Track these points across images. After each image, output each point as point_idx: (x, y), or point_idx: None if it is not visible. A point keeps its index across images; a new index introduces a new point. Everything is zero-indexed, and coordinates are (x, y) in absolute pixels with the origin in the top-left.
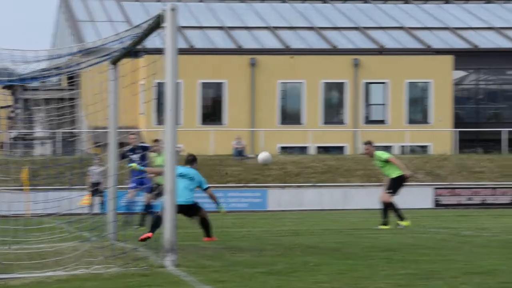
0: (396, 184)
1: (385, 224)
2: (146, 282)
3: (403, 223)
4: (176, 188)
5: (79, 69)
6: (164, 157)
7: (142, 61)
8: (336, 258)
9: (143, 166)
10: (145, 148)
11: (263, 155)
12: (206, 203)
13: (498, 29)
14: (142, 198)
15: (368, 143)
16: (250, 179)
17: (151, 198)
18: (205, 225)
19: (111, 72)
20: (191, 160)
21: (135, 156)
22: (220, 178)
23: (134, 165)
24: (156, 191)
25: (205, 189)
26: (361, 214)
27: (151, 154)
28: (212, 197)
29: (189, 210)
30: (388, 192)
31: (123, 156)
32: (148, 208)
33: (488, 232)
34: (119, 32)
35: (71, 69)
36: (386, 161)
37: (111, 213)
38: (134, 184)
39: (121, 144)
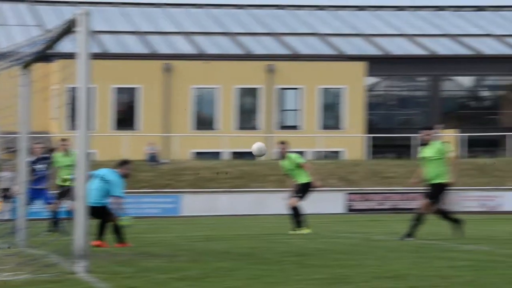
0: (305, 190)
1: (297, 225)
2: None
3: (303, 230)
4: (88, 192)
5: None
6: (73, 157)
7: (55, 65)
8: (249, 263)
9: (46, 176)
10: (47, 158)
11: (257, 145)
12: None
13: (410, 36)
14: (55, 206)
15: (283, 143)
16: (164, 185)
17: (59, 204)
18: (117, 231)
19: (22, 77)
20: (120, 163)
21: (40, 167)
22: (134, 184)
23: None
24: (65, 194)
25: (114, 196)
26: (274, 220)
27: (57, 154)
28: (119, 206)
29: (96, 212)
30: (297, 197)
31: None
32: (56, 214)
33: (399, 237)
34: (31, 37)
35: None
36: (299, 166)
37: (21, 220)
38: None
39: (47, 149)
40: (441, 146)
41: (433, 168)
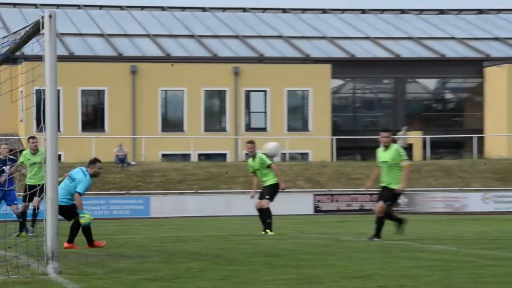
0: (273, 191)
1: (268, 227)
2: None
3: (272, 232)
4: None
5: None
6: (41, 155)
7: (21, 68)
8: (218, 264)
9: (13, 177)
10: (14, 161)
11: (272, 145)
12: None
13: (374, 39)
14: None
15: (252, 142)
16: (132, 186)
17: (27, 206)
18: (86, 232)
19: None
20: (89, 162)
21: (7, 168)
22: (103, 185)
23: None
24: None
25: (75, 192)
26: (243, 221)
27: (25, 152)
28: (77, 202)
29: (63, 211)
30: (267, 199)
31: None
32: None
33: (367, 238)
34: None
35: None
36: (268, 167)
37: None
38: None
39: (10, 151)
40: (396, 151)
41: (387, 172)
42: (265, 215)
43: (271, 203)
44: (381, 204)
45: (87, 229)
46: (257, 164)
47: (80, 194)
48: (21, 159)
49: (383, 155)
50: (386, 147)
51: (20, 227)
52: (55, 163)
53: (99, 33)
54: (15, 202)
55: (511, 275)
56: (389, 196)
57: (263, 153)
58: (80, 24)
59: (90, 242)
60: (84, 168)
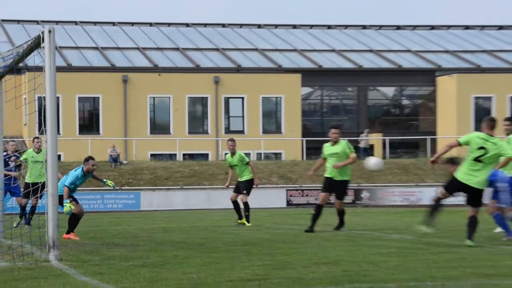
0: (249, 186)
1: (246, 219)
2: (33, 275)
3: (244, 221)
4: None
5: None
6: (44, 155)
7: (24, 77)
8: (202, 252)
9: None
10: (17, 157)
11: (374, 161)
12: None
13: (339, 51)
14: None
15: (233, 140)
16: (125, 183)
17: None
18: (69, 221)
19: None
20: (84, 160)
21: (12, 163)
22: (98, 182)
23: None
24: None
25: (64, 186)
26: (223, 213)
27: (29, 151)
28: (64, 193)
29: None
30: (245, 194)
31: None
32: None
33: (332, 227)
34: (1, 52)
35: None
36: (246, 164)
37: None
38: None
39: (16, 150)
40: (346, 145)
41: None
42: (244, 208)
43: (248, 197)
44: (338, 202)
45: (70, 219)
46: (235, 161)
47: (67, 187)
48: (24, 156)
49: (331, 148)
50: (335, 142)
51: (21, 216)
52: (55, 162)
53: (94, 46)
54: (21, 195)
55: (461, 260)
56: (343, 190)
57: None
58: (76, 38)
59: (68, 231)
60: (82, 166)
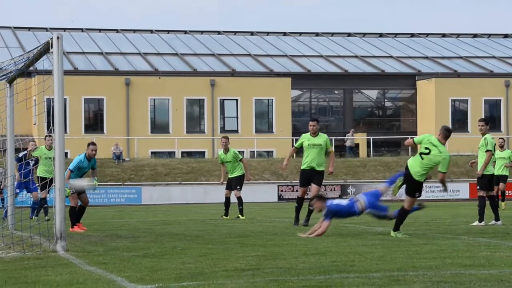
0: (242, 182)
1: (240, 213)
2: (41, 264)
3: (242, 217)
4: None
5: None
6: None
7: (34, 80)
8: (199, 243)
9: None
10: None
11: (80, 183)
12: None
13: (326, 57)
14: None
15: (226, 138)
16: (127, 178)
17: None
18: (71, 214)
19: (7, 89)
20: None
21: (32, 162)
22: (102, 178)
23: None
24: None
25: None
26: (219, 207)
27: (41, 148)
28: (65, 176)
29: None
30: (238, 189)
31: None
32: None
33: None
34: (14, 57)
35: None
36: (240, 160)
37: (9, 207)
38: (19, 187)
39: (18, 150)
40: (327, 139)
41: (317, 154)
42: (238, 202)
43: (241, 192)
44: (317, 188)
45: (70, 212)
46: (229, 158)
47: (70, 169)
48: (37, 152)
49: (313, 139)
50: (314, 133)
51: (38, 211)
52: (62, 159)
53: (99, 52)
54: (36, 190)
55: (440, 252)
56: (321, 179)
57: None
58: (83, 44)
59: (73, 225)
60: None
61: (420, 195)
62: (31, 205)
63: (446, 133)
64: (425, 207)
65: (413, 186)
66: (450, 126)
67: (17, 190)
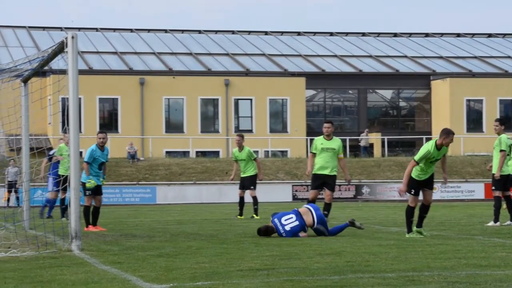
0: (255, 181)
1: (255, 212)
2: (56, 263)
3: (257, 217)
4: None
5: None
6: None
7: (49, 80)
8: (213, 243)
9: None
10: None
11: None
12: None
13: (340, 57)
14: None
15: (241, 135)
16: (141, 178)
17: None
18: (85, 214)
19: (22, 88)
20: None
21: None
22: (116, 177)
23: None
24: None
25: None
26: (233, 207)
27: (62, 145)
28: (84, 169)
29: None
30: (253, 189)
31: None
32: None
33: (336, 221)
34: (29, 55)
35: None
36: (254, 160)
37: (24, 205)
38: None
39: (49, 149)
40: (341, 143)
41: (330, 159)
42: (253, 202)
43: (255, 191)
44: (330, 193)
45: (85, 212)
46: (243, 156)
47: (86, 162)
48: (58, 151)
49: (327, 143)
50: (328, 135)
51: (62, 212)
52: (77, 158)
53: (113, 51)
54: (55, 189)
55: (456, 252)
56: (334, 184)
57: None
58: (97, 43)
59: (87, 224)
60: None
61: (416, 194)
62: (44, 203)
63: (443, 135)
64: (360, 228)
65: (408, 183)
66: (465, 126)
67: (55, 188)
